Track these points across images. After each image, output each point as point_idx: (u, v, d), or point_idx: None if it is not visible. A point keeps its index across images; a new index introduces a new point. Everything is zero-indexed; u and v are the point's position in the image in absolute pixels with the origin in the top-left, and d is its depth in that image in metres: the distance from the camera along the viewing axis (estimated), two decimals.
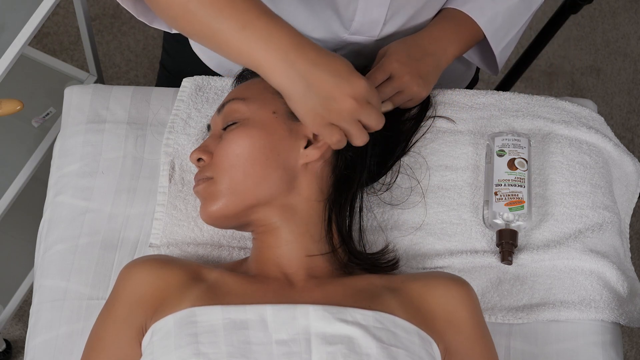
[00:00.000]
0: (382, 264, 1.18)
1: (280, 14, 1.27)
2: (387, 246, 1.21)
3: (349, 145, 1.16)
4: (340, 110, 1.01)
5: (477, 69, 1.57)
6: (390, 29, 1.28)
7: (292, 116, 1.15)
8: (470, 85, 1.59)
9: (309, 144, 1.14)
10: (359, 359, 1.00)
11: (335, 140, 1.04)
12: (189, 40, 1.46)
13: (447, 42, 1.27)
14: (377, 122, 1.04)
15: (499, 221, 1.24)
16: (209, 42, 1.04)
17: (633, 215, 2.13)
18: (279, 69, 0.99)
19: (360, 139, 1.04)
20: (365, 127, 1.05)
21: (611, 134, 1.38)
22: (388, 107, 1.21)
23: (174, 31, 1.30)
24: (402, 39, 1.26)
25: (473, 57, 1.40)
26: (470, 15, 1.29)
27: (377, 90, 1.18)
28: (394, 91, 1.22)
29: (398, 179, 1.28)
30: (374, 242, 1.25)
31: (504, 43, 1.33)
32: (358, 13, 1.25)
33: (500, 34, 1.31)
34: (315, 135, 1.15)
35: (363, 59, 1.33)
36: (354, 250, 1.16)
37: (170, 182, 1.28)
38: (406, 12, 1.27)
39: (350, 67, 1.03)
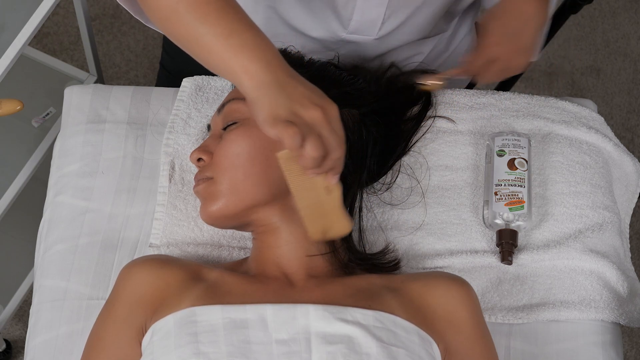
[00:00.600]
0: (383, 264, 1.18)
1: (279, 13, 1.27)
2: (387, 247, 1.21)
3: (348, 145, 1.16)
4: (304, 115, 0.95)
5: None
6: (388, 27, 1.28)
7: None
8: (470, 85, 1.59)
9: None
10: (359, 359, 1.00)
11: (289, 133, 0.92)
12: None
13: (530, 12, 1.23)
14: (336, 146, 0.96)
15: (499, 221, 1.24)
16: (191, 47, 1.02)
17: (633, 215, 2.13)
18: (258, 74, 0.96)
19: (314, 148, 0.94)
20: (325, 148, 0.96)
21: (611, 134, 1.38)
22: (345, 228, 1.07)
23: None
24: (488, 15, 1.24)
25: None
26: None
27: (483, 74, 1.22)
28: (499, 72, 1.23)
29: (398, 179, 1.28)
30: (374, 242, 1.25)
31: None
32: (356, 12, 1.25)
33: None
34: None
35: (361, 57, 1.33)
36: (354, 250, 1.16)
37: (170, 182, 1.28)
38: (404, 11, 1.27)
39: (323, 93, 0.99)
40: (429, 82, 1.28)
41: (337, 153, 0.97)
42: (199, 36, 1.00)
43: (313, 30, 1.29)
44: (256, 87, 0.96)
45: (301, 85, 0.97)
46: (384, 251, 1.20)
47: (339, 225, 1.06)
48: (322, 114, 0.95)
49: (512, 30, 1.22)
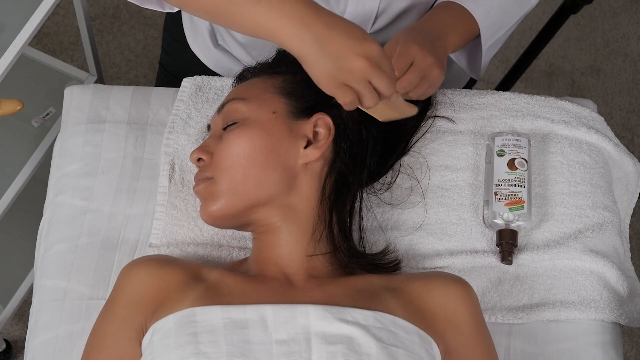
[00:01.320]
0: (383, 264, 1.18)
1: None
2: (387, 247, 1.21)
3: (348, 144, 1.16)
4: (352, 68, 0.99)
5: None
6: (383, 21, 1.28)
7: (292, 116, 1.15)
8: (470, 85, 1.59)
9: (308, 143, 1.15)
10: (359, 359, 1.00)
11: (348, 101, 1.02)
12: (188, 39, 1.46)
13: (447, 29, 1.25)
14: (387, 86, 1.02)
15: (499, 221, 1.24)
16: (221, 18, 1.03)
17: (633, 215, 2.13)
18: (295, 34, 0.99)
19: (371, 100, 1.02)
20: (376, 90, 1.03)
21: (611, 134, 1.38)
22: (413, 111, 1.18)
23: (167, 9, 1.28)
24: (406, 27, 1.24)
25: (460, 58, 1.38)
26: (465, 7, 1.27)
27: (403, 78, 1.17)
28: (419, 76, 1.18)
29: (398, 179, 1.28)
30: (374, 242, 1.25)
31: (493, 40, 1.32)
32: (350, 5, 1.25)
33: (492, 30, 1.30)
34: (315, 135, 1.15)
35: None
36: (355, 250, 1.16)
37: (170, 182, 1.28)
38: (399, 5, 1.26)
39: (364, 31, 1.02)
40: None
41: (391, 89, 1.02)
42: (227, 7, 1.00)
43: None
44: (298, 46, 0.99)
45: (340, 34, 0.99)
46: (384, 251, 1.20)
47: (409, 112, 1.17)
48: (368, 63, 0.99)
49: (429, 39, 1.22)
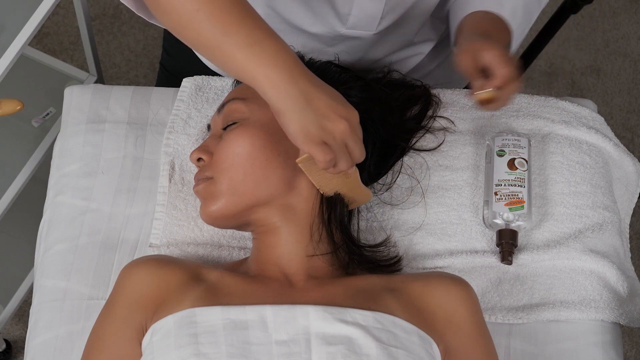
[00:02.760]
0: (384, 261, 1.18)
1: (278, 9, 1.27)
2: (387, 239, 1.21)
3: None
4: (334, 129, 1.00)
5: None
6: (387, 22, 1.28)
7: None
8: (469, 85, 1.59)
9: None
10: (358, 359, 1.00)
11: (328, 159, 1.02)
12: None
13: (496, 39, 1.21)
14: (360, 153, 1.04)
15: (499, 221, 1.24)
16: (211, 54, 1.03)
17: (633, 215, 2.13)
18: (282, 87, 0.99)
19: (346, 162, 1.04)
20: (351, 156, 1.04)
21: (611, 134, 1.38)
22: (367, 197, 1.19)
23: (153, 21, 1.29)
24: (467, 35, 1.20)
25: None
26: (500, 15, 1.24)
27: (510, 86, 1.14)
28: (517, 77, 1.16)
29: (398, 179, 1.28)
30: (374, 242, 1.25)
31: (519, 42, 1.32)
32: (355, 7, 1.25)
33: (518, 31, 1.29)
34: None
35: (360, 54, 1.33)
36: (355, 248, 1.16)
37: (170, 182, 1.28)
38: (403, 6, 1.27)
39: (343, 98, 1.04)
40: (482, 92, 1.18)
41: (361, 158, 1.05)
42: (220, 44, 1.00)
43: (312, 26, 1.29)
44: (282, 99, 0.99)
45: (324, 95, 1.00)
46: (385, 243, 1.20)
47: (362, 196, 1.17)
48: (348, 126, 1.01)
49: (483, 30, 1.20)
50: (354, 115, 1.02)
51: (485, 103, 1.16)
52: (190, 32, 1.02)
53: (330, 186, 1.13)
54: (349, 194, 1.15)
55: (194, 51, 1.46)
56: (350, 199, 1.16)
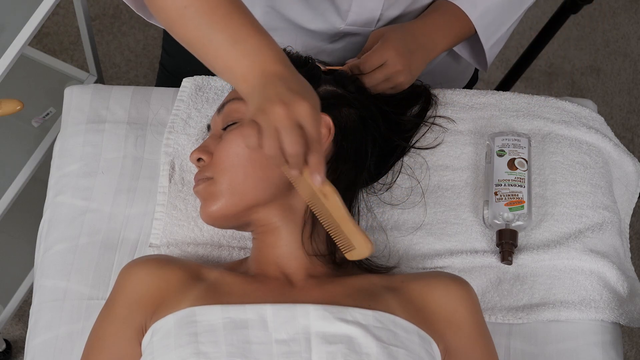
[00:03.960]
0: (377, 267, 1.18)
1: (277, 6, 1.27)
2: (384, 250, 1.21)
3: (348, 144, 1.16)
4: (270, 112, 0.93)
5: (476, 68, 1.57)
6: (387, 18, 1.29)
7: None
8: (470, 84, 1.59)
9: None
10: (359, 359, 1.00)
11: (245, 132, 0.95)
12: None
13: (438, 35, 1.28)
14: (290, 145, 0.93)
15: (499, 221, 1.24)
16: (197, 50, 1.03)
17: (633, 215, 2.13)
18: (251, 80, 0.97)
19: (269, 148, 0.94)
20: (282, 146, 0.94)
21: (611, 134, 1.38)
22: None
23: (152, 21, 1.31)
24: (397, 26, 1.27)
25: (463, 51, 1.40)
26: (462, 9, 1.29)
27: (370, 74, 1.19)
28: (384, 78, 1.22)
29: (398, 179, 1.28)
30: (374, 242, 1.25)
31: (495, 39, 1.33)
32: (355, 3, 1.25)
33: (491, 29, 1.31)
34: None
35: (357, 53, 1.33)
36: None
37: (170, 182, 1.28)
38: (403, 1, 1.27)
39: (311, 92, 0.97)
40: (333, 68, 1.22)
41: (290, 149, 0.93)
42: (206, 41, 1.00)
43: (311, 23, 1.29)
44: (248, 93, 0.98)
45: (282, 86, 0.95)
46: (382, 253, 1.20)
47: (358, 240, 1.03)
48: (285, 111, 0.93)
49: (412, 47, 1.24)
50: (303, 106, 0.93)
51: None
52: (180, 29, 1.03)
53: (306, 194, 1.02)
54: (333, 224, 1.02)
55: None
56: (338, 234, 1.03)
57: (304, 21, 1.29)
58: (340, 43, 1.33)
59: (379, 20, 1.28)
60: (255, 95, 0.96)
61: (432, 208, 1.28)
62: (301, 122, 0.93)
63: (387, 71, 1.22)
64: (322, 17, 1.28)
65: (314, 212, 1.04)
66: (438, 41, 1.27)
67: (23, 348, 1.67)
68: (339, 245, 1.04)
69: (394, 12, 1.28)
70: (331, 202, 1.00)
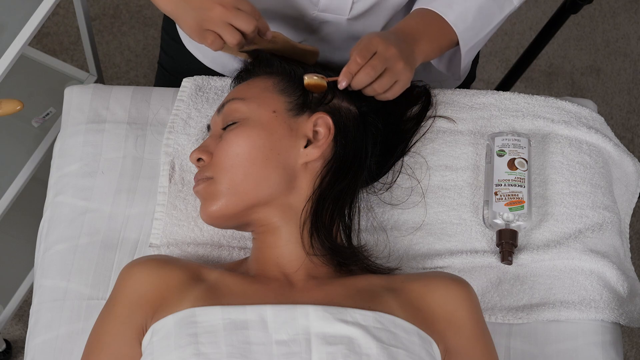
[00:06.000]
0: (378, 267, 1.18)
1: None
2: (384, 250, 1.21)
3: (348, 144, 1.16)
4: (211, 16, 1.12)
5: (474, 66, 1.56)
6: (361, 7, 1.27)
7: (292, 113, 1.15)
8: (467, 81, 1.58)
9: (308, 143, 1.15)
10: (359, 359, 1.00)
11: (209, 42, 1.13)
12: (181, 37, 1.46)
13: (417, 36, 1.21)
14: (246, 24, 1.13)
15: (499, 221, 1.24)
16: None
17: (633, 215, 2.13)
18: None
19: (231, 37, 1.12)
20: (240, 30, 1.13)
21: (611, 134, 1.38)
22: (313, 58, 1.26)
23: None
24: (372, 32, 1.20)
25: (438, 61, 1.35)
26: (438, 13, 1.23)
27: (367, 64, 1.13)
28: (382, 65, 1.14)
29: (398, 178, 1.28)
30: (374, 242, 1.25)
31: (472, 43, 1.28)
32: None
33: (470, 33, 1.26)
34: (315, 134, 1.15)
35: (336, 45, 1.32)
36: (353, 251, 1.16)
37: (170, 182, 1.28)
38: None
39: None
40: (314, 78, 1.17)
41: (249, 26, 1.13)
42: None
43: (284, 8, 1.28)
44: (169, 7, 1.16)
45: None
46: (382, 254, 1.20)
47: (307, 55, 1.25)
48: (223, 9, 1.12)
49: (395, 38, 1.18)
50: None
51: (310, 88, 1.17)
52: None
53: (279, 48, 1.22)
54: (285, 50, 1.23)
55: (188, 49, 1.46)
56: (293, 54, 1.23)
57: (276, 7, 1.27)
58: (315, 35, 1.32)
59: (351, 8, 1.26)
60: (183, 11, 1.14)
61: (432, 208, 1.28)
62: (237, 5, 1.13)
63: (383, 56, 1.14)
64: (293, 2, 1.27)
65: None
66: (418, 41, 1.21)
67: (23, 348, 1.67)
68: (297, 59, 1.25)
69: (367, 1, 1.26)
70: (280, 38, 1.22)
